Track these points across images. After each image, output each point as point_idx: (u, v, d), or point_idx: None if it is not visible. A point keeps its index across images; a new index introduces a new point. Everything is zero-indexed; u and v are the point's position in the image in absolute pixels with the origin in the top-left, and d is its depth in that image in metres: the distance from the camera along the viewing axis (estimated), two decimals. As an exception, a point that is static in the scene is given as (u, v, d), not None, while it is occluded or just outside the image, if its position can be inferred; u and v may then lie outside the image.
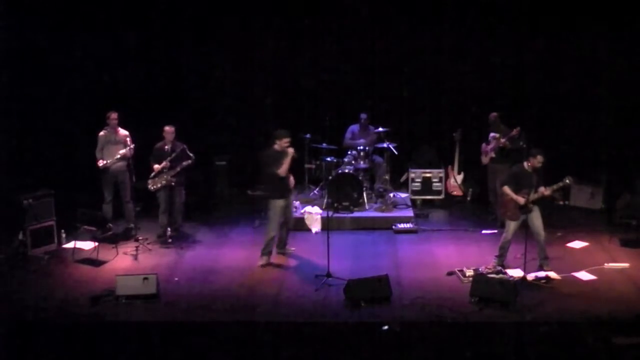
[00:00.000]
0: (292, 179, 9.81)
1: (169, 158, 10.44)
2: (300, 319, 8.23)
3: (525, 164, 9.20)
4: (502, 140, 10.83)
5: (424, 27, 12.52)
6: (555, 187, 9.07)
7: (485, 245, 10.33)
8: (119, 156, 10.63)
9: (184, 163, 10.49)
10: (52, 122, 11.93)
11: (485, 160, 11.31)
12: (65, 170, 11.85)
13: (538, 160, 9.08)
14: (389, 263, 9.76)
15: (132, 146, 10.59)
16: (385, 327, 7.93)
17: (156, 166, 10.44)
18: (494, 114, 11.23)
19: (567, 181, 9.00)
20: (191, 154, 10.53)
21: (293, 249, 10.18)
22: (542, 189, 9.04)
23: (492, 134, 11.19)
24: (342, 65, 12.81)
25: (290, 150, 9.63)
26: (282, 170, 9.59)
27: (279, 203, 9.70)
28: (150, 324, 8.23)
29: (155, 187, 10.48)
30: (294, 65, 12.86)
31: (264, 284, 9.14)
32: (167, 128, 10.55)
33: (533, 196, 9.07)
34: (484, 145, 11.33)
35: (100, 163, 10.68)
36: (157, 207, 10.76)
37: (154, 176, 10.45)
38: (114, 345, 7.98)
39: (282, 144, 9.58)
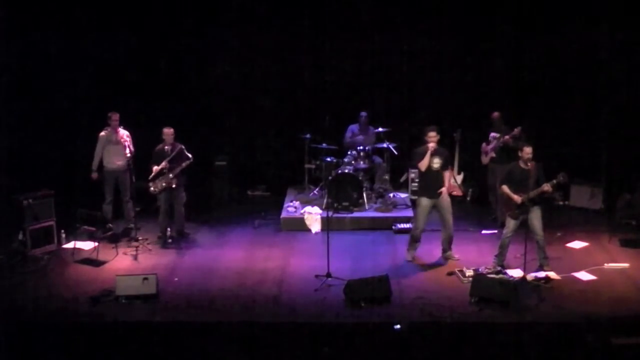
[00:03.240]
0: (446, 181, 9.65)
1: (167, 158, 10.42)
2: (300, 319, 8.24)
3: (520, 162, 9.21)
4: (505, 138, 10.83)
5: (424, 26, 12.51)
6: (553, 182, 9.06)
7: (485, 245, 10.34)
8: (121, 162, 10.64)
9: (183, 164, 10.47)
10: (52, 122, 11.92)
11: (485, 160, 11.31)
12: (65, 170, 11.85)
13: (526, 152, 9.11)
14: (389, 263, 9.77)
15: (130, 154, 10.56)
16: (398, 326, 7.92)
17: (155, 167, 10.42)
18: (496, 113, 11.23)
19: (561, 178, 8.99)
20: (189, 155, 10.51)
21: (457, 257, 9.84)
22: (544, 185, 9.04)
23: (492, 134, 11.19)
24: (342, 65, 12.81)
25: (430, 145, 9.53)
26: (421, 164, 9.59)
27: (423, 202, 9.70)
28: (150, 324, 8.23)
29: (156, 189, 10.45)
30: (294, 65, 12.85)
31: (264, 284, 9.15)
32: (166, 130, 10.52)
33: (532, 193, 9.07)
34: (484, 145, 11.33)
35: (94, 175, 10.83)
36: (157, 208, 10.76)
37: (154, 178, 10.43)
38: (114, 345, 7.98)
39: (427, 137, 9.56)
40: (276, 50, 12.77)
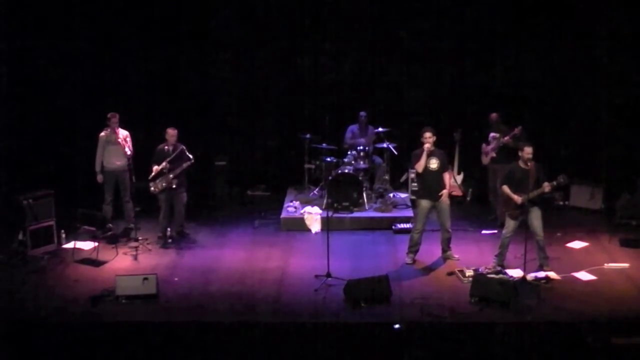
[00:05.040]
0: (447, 183, 9.58)
1: (168, 159, 10.41)
2: (300, 319, 8.24)
3: (520, 162, 9.21)
4: (505, 138, 10.85)
5: (424, 27, 12.51)
6: (553, 184, 9.06)
7: (485, 245, 10.34)
8: (121, 162, 10.66)
9: (184, 165, 10.46)
10: (52, 122, 11.93)
11: (485, 160, 11.31)
12: (65, 170, 11.85)
13: (526, 152, 9.10)
14: (389, 263, 9.77)
15: (129, 154, 10.57)
16: (397, 326, 7.93)
17: (155, 167, 10.40)
18: (495, 114, 11.23)
19: (562, 180, 8.99)
20: (190, 155, 10.50)
21: (457, 256, 9.83)
22: (545, 184, 9.04)
23: (492, 134, 11.20)
24: (342, 65, 12.81)
25: (426, 146, 9.45)
26: (418, 165, 9.55)
27: (422, 203, 9.63)
28: (150, 324, 8.22)
29: (156, 189, 10.43)
30: (294, 65, 12.85)
31: (264, 284, 9.14)
32: (170, 130, 10.51)
33: (533, 193, 9.06)
34: (484, 145, 11.33)
35: (99, 178, 10.78)
36: (158, 208, 10.74)
37: (154, 178, 10.42)
38: (114, 345, 7.98)
39: (423, 138, 9.48)
40: (276, 50, 12.76)
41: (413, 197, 12.16)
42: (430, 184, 9.60)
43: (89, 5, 11.96)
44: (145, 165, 10.55)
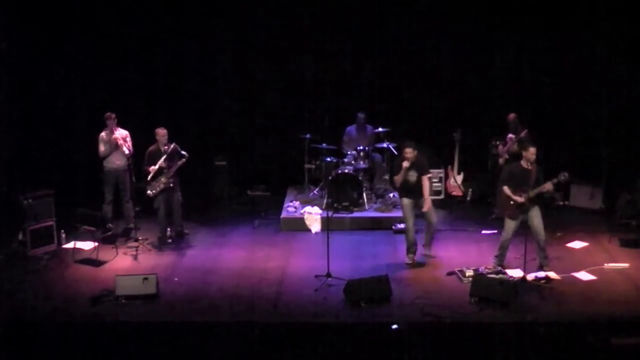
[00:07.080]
0: (426, 190, 9.60)
1: (163, 158, 10.37)
2: (300, 319, 8.24)
3: (522, 162, 9.20)
4: (512, 142, 10.88)
5: (425, 27, 12.50)
6: (554, 181, 9.05)
7: (485, 245, 10.34)
8: (120, 162, 10.65)
9: (179, 162, 10.44)
10: (52, 122, 11.93)
11: (502, 161, 11.29)
12: (65, 170, 11.85)
13: (530, 152, 9.07)
14: (389, 263, 9.77)
15: (128, 153, 10.57)
16: (395, 327, 7.93)
17: (152, 167, 10.36)
18: (513, 114, 11.23)
19: (562, 177, 8.94)
20: (183, 152, 10.47)
21: (433, 255, 9.87)
22: (545, 184, 9.02)
23: (509, 135, 11.19)
24: (342, 65, 12.80)
25: (404, 164, 9.48)
26: (396, 179, 9.63)
27: (404, 201, 9.70)
28: (150, 324, 8.23)
29: (154, 191, 10.40)
30: (294, 65, 12.85)
31: (264, 284, 9.14)
32: (160, 130, 10.46)
33: (533, 192, 9.05)
34: (500, 146, 11.36)
35: (106, 162, 10.72)
36: (156, 209, 10.70)
37: (152, 179, 10.39)
38: (114, 345, 7.98)
39: (403, 153, 9.52)
40: (276, 50, 12.76)
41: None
42: (411, 190, 9.68)
43: (89, 5, 11.95)
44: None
